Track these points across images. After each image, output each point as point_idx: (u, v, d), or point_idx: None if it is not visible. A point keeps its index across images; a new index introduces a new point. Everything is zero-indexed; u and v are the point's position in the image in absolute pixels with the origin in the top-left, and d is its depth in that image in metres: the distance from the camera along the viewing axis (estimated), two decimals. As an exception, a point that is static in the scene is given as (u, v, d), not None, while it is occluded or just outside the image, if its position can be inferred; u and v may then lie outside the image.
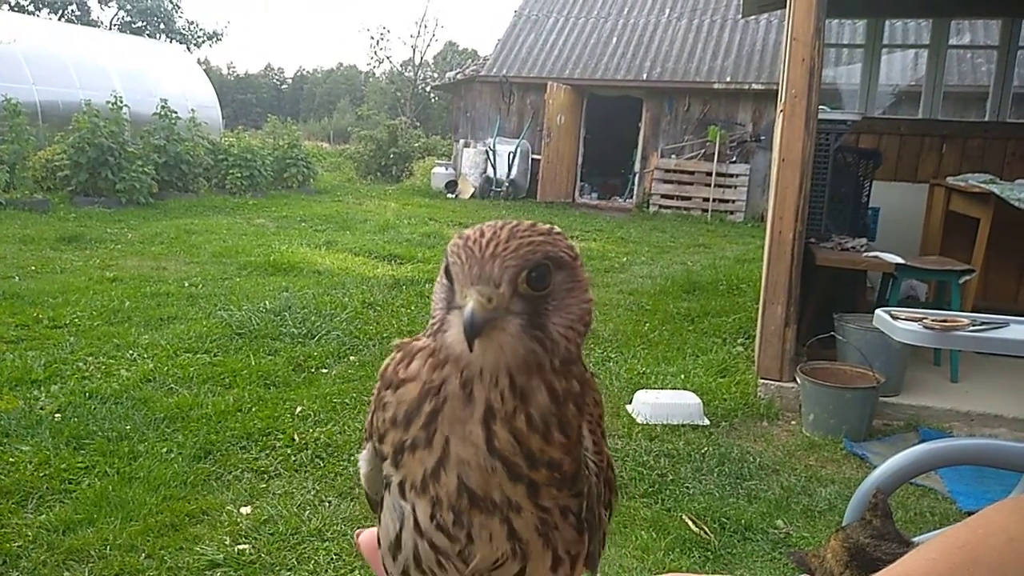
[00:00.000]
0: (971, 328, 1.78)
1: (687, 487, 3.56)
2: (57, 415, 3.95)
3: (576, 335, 0.51)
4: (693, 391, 4.67)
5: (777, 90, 5.77)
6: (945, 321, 1.83)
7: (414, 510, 0.51)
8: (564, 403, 0.50)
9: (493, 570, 0.51)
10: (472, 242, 0.50)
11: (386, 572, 0.55)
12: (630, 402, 4.52)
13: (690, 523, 3.22)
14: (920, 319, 1.84)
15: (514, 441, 0.49)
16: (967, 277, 4.90)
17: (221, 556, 2.83)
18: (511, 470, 0.49)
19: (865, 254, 5.15)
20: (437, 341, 0.50)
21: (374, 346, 5.45)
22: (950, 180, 6.11)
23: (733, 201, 15.51)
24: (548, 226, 0.52)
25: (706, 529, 3.17)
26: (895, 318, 1.89)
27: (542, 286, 0.49)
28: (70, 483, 3.31)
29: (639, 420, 4.32)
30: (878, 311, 1.93)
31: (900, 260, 4.94)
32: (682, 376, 5.10)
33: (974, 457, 1.52)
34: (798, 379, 4.45)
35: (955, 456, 1.54)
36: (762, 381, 4.79)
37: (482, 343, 0.47)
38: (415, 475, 0.50)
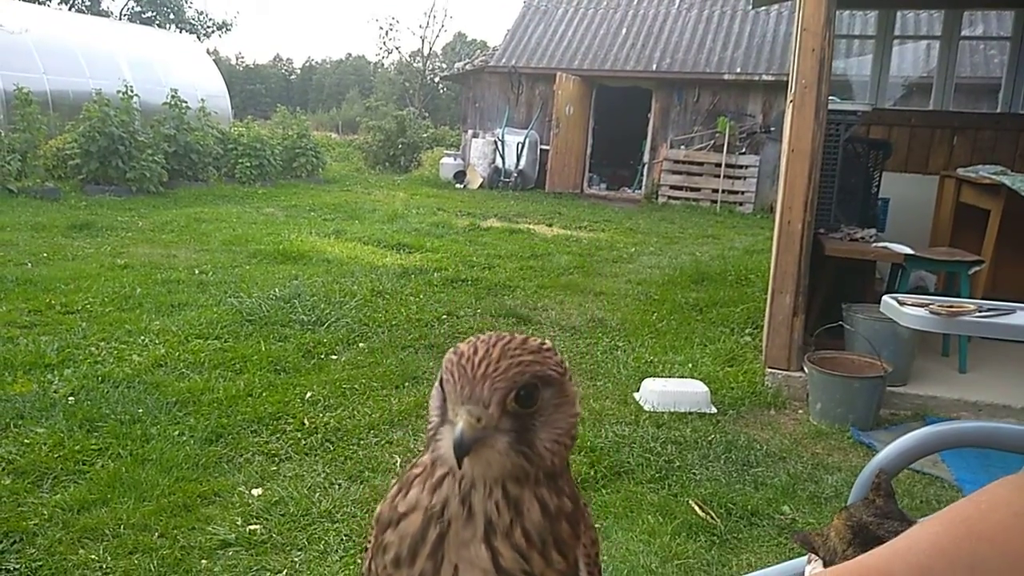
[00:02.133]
0: (978, 314, 1.79)
1: (694, 473, 3.58)
2: (71, 398, 4.00)
3: (562, 448, 0.53)
4: (700, 380, 4.69)
5: (787, 81, 5.76)
6: (952, 307, 1.84)
7: None
8: (557, 520, 0.53)
9: None
10: (465, 360, 0.52)
11: None
12: (637, 390, 4.54)
13: (697, 508, 3.24)
14: (927, 304, 1.85)
15: (518, 558, 0.51)
16: (977, 268, 4.90)
17: (233, 536, 2.87)
18: None
19: (874, 244, 5.14)
20: (432, 451, 0.53)
21: (383, 333, 5.48)
22: (961, 171, 6.09)
23: (742, 192, 15.48)
24: (539, 342, 0.54)
25: (712, 514, 3.20)
26: (902, 304, 1.91)
27: (530, 404, 0.52)
28: (84, 464, 3.35)
29: (646, 407, 4.34)
30: (885, 297, 1.95)
31: (909, 251, 4.93)
32: (690, 365, 5.12)
33: (979, 440, 1.53)
34: (806, 368, 4.46)
35: (959, 439, 1.55)
36: (769, 370, 4.80)
37: (471, 460, 0.50)
38: None
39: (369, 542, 0.57)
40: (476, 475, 0.51)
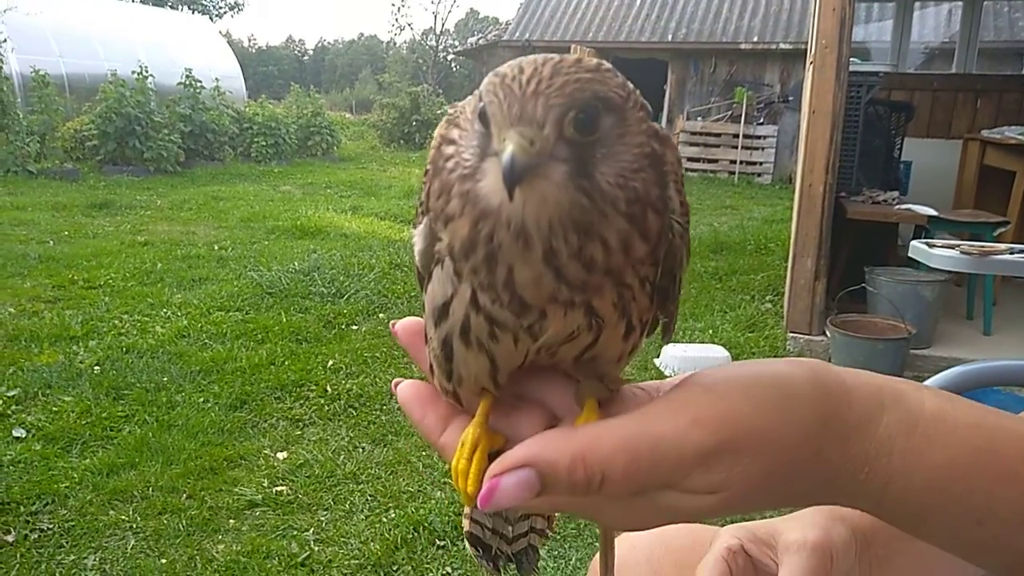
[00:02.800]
0: (1010, 255, 1.76)
1: (716, 435, 3.57)
2: (96, 368, 4.04)
3: (631, 180, 0.44)
4: (721, 345, 4.67)
5: (806, 49, 5.66)
6: (983, 248, 1.81)
7: (475, 292, 0.47)
8: (643, 215, 0.45)
9: (563, 343, 0.48)
10: (511, 79, 0.43)
11: (426, 343, 0.52)
12: (658, 356, 4.53)
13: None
14: (957, 246, 1.82)
15: (583, 269, 0.44)
16: (1002, 229, 4.83)
17: (259, 497, 2.91)
18: (584, 286, 0.45)
19: (897, 207, 5.08)
20: (469, 192, 0.44)
21: (403, 304, 5.49)
22: (985, 133, 5.99)
23: (760, 163, 15.32)
24: (597, 61, 0.46)
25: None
26: (931, 246, 1.88)
27: (591, 130, 0.43)
28: (111, 430, 3.40)
29: (667, 373, 4.33)
30: (914, 242, 1.92)
31: (933, 212, 4.87)
32: (710, 331, 5.09)
33: (1012, 378, 1.51)
34: (828, 331, 4.42)
35: (990, 378, 1.52)
36: (791, 334, 4.77)
37: (523, 191, 0.41)
38: (478, 272, 0.46)
39: (429, 165, 0.49)
40: (528, 216, 0.42)
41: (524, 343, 0.48)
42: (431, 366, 0.52)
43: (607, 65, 0.46)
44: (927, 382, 1.61)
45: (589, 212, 0.43)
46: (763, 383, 0.46)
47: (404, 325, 0.57)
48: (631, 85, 0.47)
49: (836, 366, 0.51)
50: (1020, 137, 5.34)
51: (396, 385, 0.56)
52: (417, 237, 0.51)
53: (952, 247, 1.83)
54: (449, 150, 0.47)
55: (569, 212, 0.43)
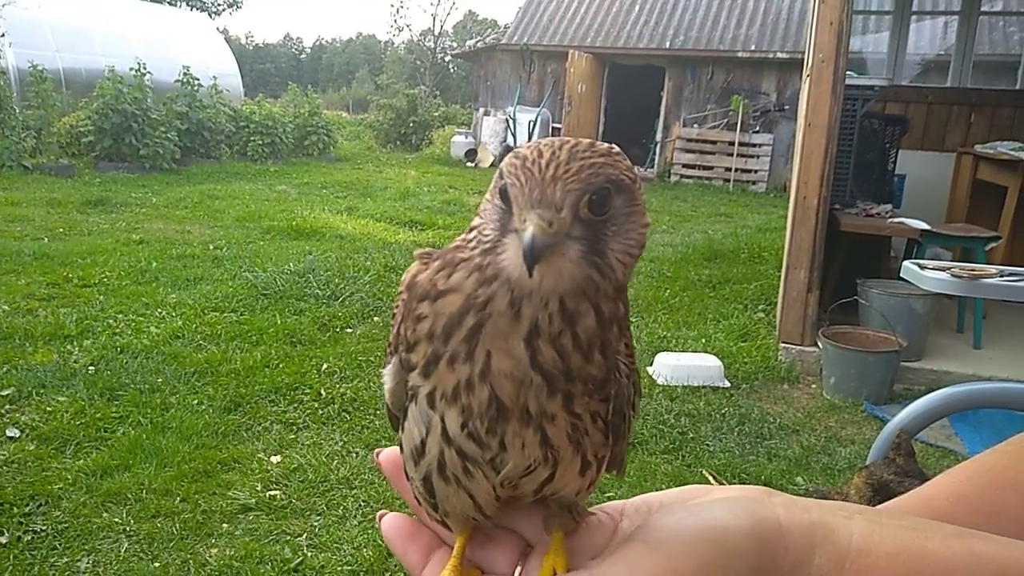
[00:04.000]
0: (999, 279, 1.79)
1: (707, 445, 3.60)
2: (90, 368, 4.05)
3: (632, 260, 0.49)
4: (714, 354, 4.70)
5: (802, 59, 5.71)
6: (973, 271, 1.84)
7: (443, 419, 0.50)
8: (609, 326, 0.49)
9: (523, 477, 0.51)
10: (531, 163, 0.47)
11: (408, 479, 0.55)
12: (651, 364, 4.55)
13: (710, 478, 3.26)
14: (948, 268, 1.85)
15: (557, 358, 0.48)
16: (993, 244, 4.87)
17: (253, 501, 2.92)
18: (549, 384, 0.48)
19: (890, 220, 5.12)
20: (490, 263, 0.48)
21: (397, 308, 5.51)
22: (978, 148, 6.04)
23: (755, 171, 15.38)
24: (607, 146, 0.49)
25: (726, 484, 3.22)
26: (923, 268, 1.90)
27: (603, 210, 0.47)
28: (105, 431, 3.41)
29: (659, 381, 4.36)
30: (906, 263, 1.95)
31: (926, 226, 4.91)
32: (703, 340, 5.13)
33: (997, 401, 1.54)
34: (820, 342, 4.46)
35: (978, 399, 1.56)
36: (783, 345, 4.80)
37: (541, 268, 0.45)
38: (447, 385, 0.49)
39: (397, 306, 0.53)
40: (544, 289, 0.46)
41: (490, 477, 0.51)
42: (416, 499, 0.56)
43: (616, 149, 0.50)
44: (916, 402, 1.64)
45: (598, 283, 0.48)
46: (706, 540, 0.49)
47: (387, 456, 0.60)
48: (636, 170, 0.51)
49: (775, 497, 0.53)
50: (1012, 153, 5.39)
51: (380, 518, 0.59)
52: (387, 376, 0.55)
53: (943, 269, 1.86)
54: (424, 310, 0.51)
55: (581, 284, 0.47)
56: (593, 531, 0.56)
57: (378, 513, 0.59)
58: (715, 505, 0.52)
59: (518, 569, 0.55)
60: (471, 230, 0.51)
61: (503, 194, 0.48)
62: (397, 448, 0.57)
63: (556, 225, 0.45)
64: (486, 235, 0.49)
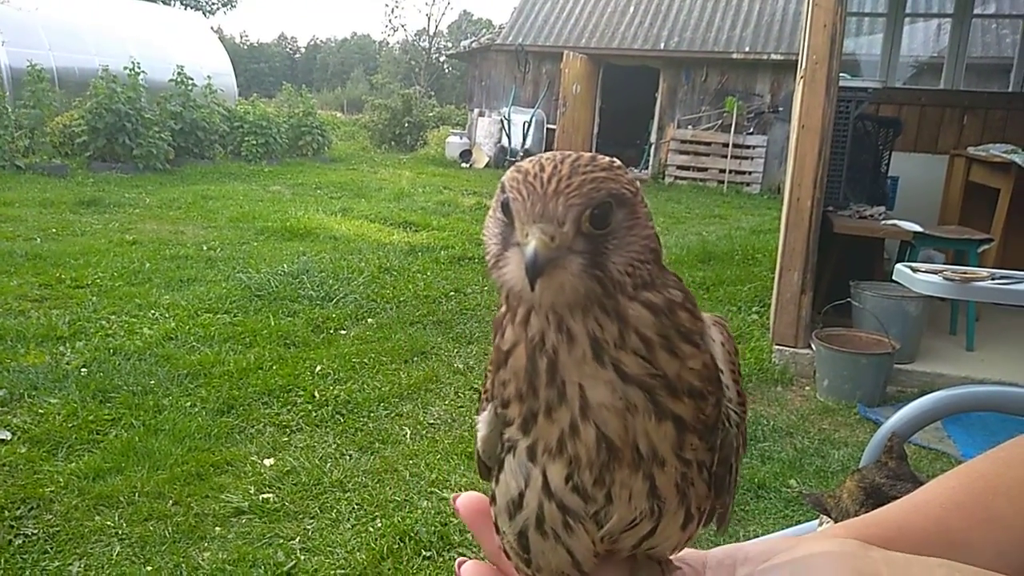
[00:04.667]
0: (991, 282, 1.80)
1: (701, 447, 3.60)
2: (83, 370, 4.03)
3: (637, 269, 0.48)
4: (708, 356, 4.70)
5: (796, 61, 5.72)
6: (965, 274, 1.84)
7: (544, 473, 0.49)
8: (671, 312, 0.48)
9: (626, 531, 0.50)
10: (532, 177, 0.47)
11: (498, 533, 0.54)
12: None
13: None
14: (940, 272, 1.86)
15: (642, 361, 0.47)
16: (986, 246, 4.89)
17: (246, 504, 2.91)
18: (652, 400, 0.47)
19: (883, 222, 5.13)
20: (494, 277, 0.49)
21: (391, 309, 5.50)
22: (971, 150, 6.06)
23: (749, 173, 15.42)
24: (609, 159, 0.49)
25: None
26: (915, 271, 1.91)
27: (604, 224, 0.47)
28: (98, 434, 3.39)
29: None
30: (898, 265, 1.95)
31: (919, 228, 4.93)
32: (697, 342, 5.13)
33: (989, 404, 1.54)
34: (813, 345, 4.47)
35: (971, 403, 1.56)
36: (777, 347, 4.81)
37: (543, 283, 0.45)
38: (550, 438, 0.48)
39: (489, 370, 0.52)
40: (546, 301, 0.46)
41: (591, 532, 0.50)
42: (505, 552, 0.54)
43: (618, 162, 0.50)
44: (909, 405, 1.65)
45: (600, 296, 0.47)
46: None
47: (467, 503, 0.58)
48: (638, 183, 0.50)
49: (872, 552, 0.52)
50: (1005, 155, 5.41)
51: (460, 565, 0.57)
52: (481, 424, 0.54)
53: (935, 272, 1.87)
54: (505, 375, 0.50)
55: (583, 297, 0.47)
56: None
57: (458, 560, 0.57)
58: (817, 563, 0.50)
59: None
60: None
61: (505, 208, 0.48)
62: (477, 494, 0.57)
63: (558, 239, 0.46)
64: (489, 250, 0.49)
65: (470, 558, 0.57)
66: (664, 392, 0.47)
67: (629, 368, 0.47)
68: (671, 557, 0.55)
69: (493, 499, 0.54)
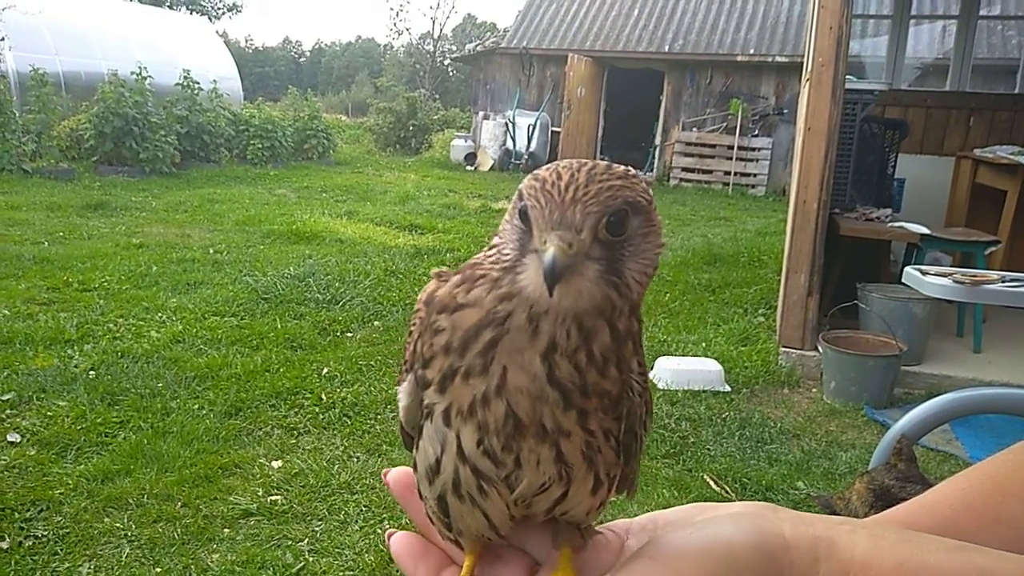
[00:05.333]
0: (1001, 284, 1.80)
1: (708, 449, 3.61)
2: (91, 373, 4.05)
3: (647, 279, 0.50)
4: (714, 359, 4.70)
5: (801, 63, 5.73)
6: (975, 277, 1.84)
7: (458, 436, 0.51)
8: (624, 342, 0.50)
9: (537, 495, 0.52)
10: (551, 185, 0.48)
11: (421, 498, 0.56)
12: (651, 368, 4.55)
13: (711, 483, 3.27)
14: (949, 275, 1.86)
15: (574, 372, 0.48)
16: (993, 248, 4.88)
17: (254, 506, 2.92)
18: (566, 399, 0.49)
19: (890, 224, 5.13)
20: (510, 282, 0.49)
21: (397, 312, 5.51)
22: (977, 152, 6.05)
23: (755, 175, 15.40)
24: (624, 168, 0.50)
25: (727, 488, 3.22)
26: (924, 274, 1.91)
27: (620, 231, 0.48)
28: (106, 436, 3.41)
29: (660, 385, 4.36)
30: (908, 268, 1.95)
31: (925, 230, 4.92)
32: (703, 344, 5.13)
33: (998, 406, 1.54)
34: (820, 347, 4.46)
35: (979, 405, 1.56)
36: (783, 349, 4.80)
37: (561, 288, 0.46)
38: (462, 401, 0.50)
39: (414, 323, 0.54)
40: (563, 308, 0.47)
41: (504, 496, 0.52)
42: (429, 517, 0.56)
43: (633, 171, 0.51)
44: (918, 408, 1.65)
45: (615, 302, 0.49)
46: (713, 555, 0.50)
47: (396, 477, 0.60)
48: (652, 191, 0.52)
49: (780, 513, 0.54)
50: (1012, 157, 5.40)
51: (389, 536, 0.60)
52: (402, 394, 0.55)
53: (945, 275, 1.86)
54: (443, 322, 0.52)
55: (599, 303, 0.48)
56: (600, 549, 0.56)
57: (387, 532, 0.60)
58: (721, 521, 0.52)
59: None
60: (490, 248, 0.52)
61: (523, 215, 0.49)
62: (405, 468, 0.58)
63: (576, 246, 0.46)
64: (506, 255, 0.50)
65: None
66: (577, 393, 0.49)
67: (560, 373, 0.48)
68: (596, 526, 0.57)
69: (415, 467, 0.55)
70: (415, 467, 0.55)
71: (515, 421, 0.49)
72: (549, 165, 0.50)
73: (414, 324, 0.54)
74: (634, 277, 0.49)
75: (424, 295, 0.54)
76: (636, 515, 0.61)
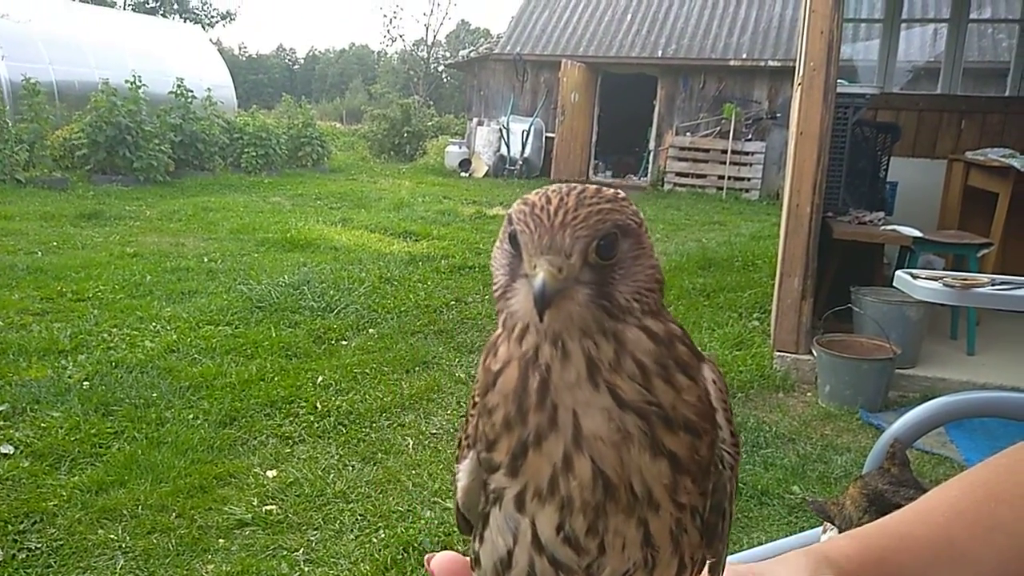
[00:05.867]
0: (991, 287, 1.80)
1: (704, 454, 3.60)
2: (85, 383, 4.03)
3: (644, 297, 0.49)
4: (709, 363, 4.70)
5: (794, 67, 5.74)
6: (965, 280, 1.85)
7: (533, 523, 0.48)
8: (671, 344, 0.48)
9: None
10: (539, 209, 0.48)
11: None
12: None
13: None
14: (940, 278, 1.86)
15: (639, 388, 0.47)
16: (985, 251, 4.89)
17: (249, 516, 2.91)
18: (649, 431, 0.47)
19: (882, 228, 5.14)
20: (502, 307, 0.49)
21: (392, 319, 5.51)
22: (969, 155, 6.07)
23: (748, 179, 15.44)
24: (613, 191, 0.50)
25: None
26: (915, 277, 1.92)
27: (610, 255, 0.48)
28: (100, 447, 3.39)
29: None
30: (899, 272, 1.96)
31: (918, 233, 4.93)
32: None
33: (992, 410, 1.55)
34: (814, 351, 4.47)
35: (973, 409, 1.56)
36: (778, 354, 4.81)
37: (551, 314, 0.46)
38: (541, 477, 0.47)
39: (471, 414, 0.52)
40: (554, 330, 0.47)
41: None
42: None
43: (622, 194, 0.50)
44: (912, 411, 1.65)
45: (607, 324, 0.48)
46: None
47: (442, 564, 0.55)
48: (642, 214, 0.51)
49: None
50: (1003, 159, 5.42)
51: (429, 560, 0.56)
52: (462, 473, 0.53)
53: (936, 278, 1.87)
54: (493, 399, 0.50)
55: (590, 327, 0.47)
56: None
57: (426, 557, 0.56)
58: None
59: None
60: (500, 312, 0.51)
61: (513, 240, 0.49)
62: (452, 554, 0.55)
63: (566, 271, 0.46)
64: (497, 281, 0.50)
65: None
66: (660, 423, 0.47)
67: (625, 394, 0.46)
68: None
69: (477, 562, 0.52)
70: (477, 562, 0.52)
71: (604, 482, 0.46)
72: (539, 189, 0.50)
73: (472, 404, 0.52)
74: (625, 299, 0.48)
75: (474, 382, 0.52)
76: None
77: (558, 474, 0.47)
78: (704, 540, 0.52)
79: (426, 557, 0.56)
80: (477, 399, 0.51)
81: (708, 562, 0.54)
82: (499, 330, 0.50)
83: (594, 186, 0.50)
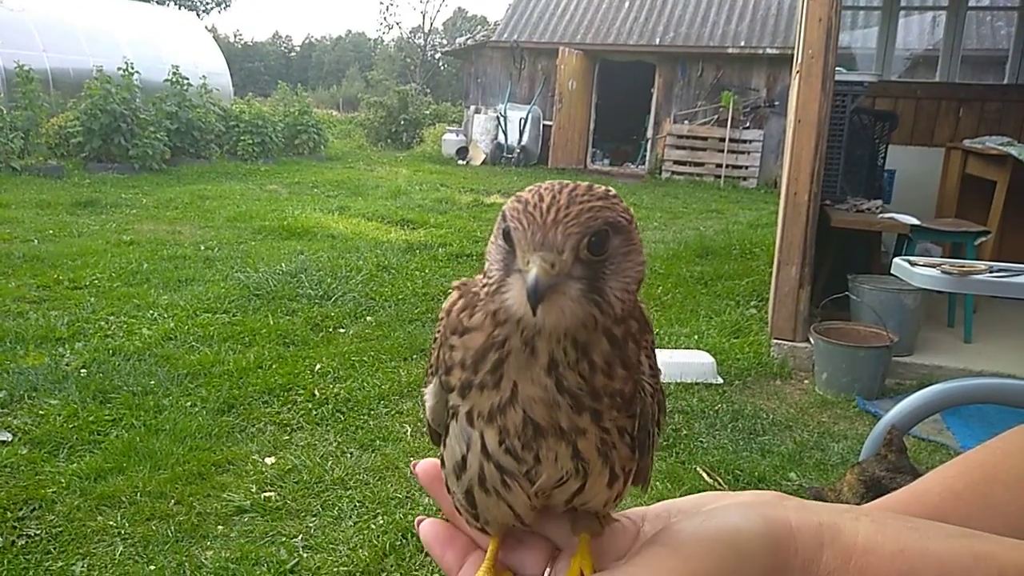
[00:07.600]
0: (989, 274, 1.81)
1: (701, 441, 3.62)
2: (83, 371, 4.03)
3: (630, 295, 0.52)
4: (706, 351, 4.72)
5: (792, 54, 5.73)
6: (963, 267, 1.85)
7: (482, 436, 0.54)
8: (624, 344, 0.52)
9: (556, 488, 0.55)
10: (532, 207, 0.50)
11: (449, 492, 0.59)
12: (644, 361, 4.56)
13: (704, 474, 3.28)
14: (938, 265, 1.86)
15: (580, 380, 0.51)
16: (983, 239, 4.90)
17: (248, 502, 2.92)
18: (577, 403, 0.51)
19: (880, 216, 5.14)
20: (496, 302, 0.51)
21: (390, 307, 5.50)
22: (967, 143, 6.07)
23: (746, 167, 15.42)
24: (604, 189, 0.52)
25: (720, 480, 3.23)
26: (913, 264, 1.92)
27: (601, 251, 0.50)
28: (99, 434, 3.40)
29: (653, 378, 4.37)
30: (896, 259, 1.96)
31: (915, 221, 4.94)
32: (695, 337, 5.14)
33: (987, 396, 1.55)
34: (812, 338, 4.48)
35: (969, 395, 1.57)
36: (775, 341, 4.82)
37: (544, 308, 0.48)
38: (483, 407, 0.53)
39: (439, 331, 0.56)
40: (547, 325, 0.49)
41: (525, 489, 0.55)
42: (456, 508, 0.60)
43: (613, 191, 0.53)
44: (908, 398, 1.66)
45: (598, 319, 0.50)
46: (721, 542, 0.52)
47: (424, 468, 0.63)
48: (632, 211, 0.54)
49: (786, 501, 0.56)
50: (1001, 147, 5.42)
51: (419, 523, 0.63)
52: (428, 395, 0.58)
53: (933, 266, 1.87)
54: (455, 341, 0.55)
55: (582, 320, 0.50)
56: (617, 535, 0.59)
57: (417, 519, 0.63)
58: (730, 510, 0.55)
59: (547, 570, 0.58)
60: (485, 275, 0.54)
61: (506, 237, 0.51)
62: (433, 460, 0.62)
63: (558, 266, 0.48)
64: (491, 276, 0.52)
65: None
66: (589, 398, 0.52)
67: (568, 383, 0.51)
68: (613, 513, 0.60)
69: (443, 462, 0.58)
70: (443, 462, 0.58)
71: (533, 425, 0.52)
72: (531, 187, 0.52)
73: (438, 331, 0.57)
74: (615, 295, 0.51)
75: (445, 305, 0.56)
76: (637, 506, 0.64)
77: (495, 411, 0.52)
78: (635, 454, 0.57)
79: (412, 463, 0.64)
80: (441, 332, 0.56)
81: (631, 471, 0.59)
82: (482, 282, 0.53)
83: (585, 184, 0.52)
